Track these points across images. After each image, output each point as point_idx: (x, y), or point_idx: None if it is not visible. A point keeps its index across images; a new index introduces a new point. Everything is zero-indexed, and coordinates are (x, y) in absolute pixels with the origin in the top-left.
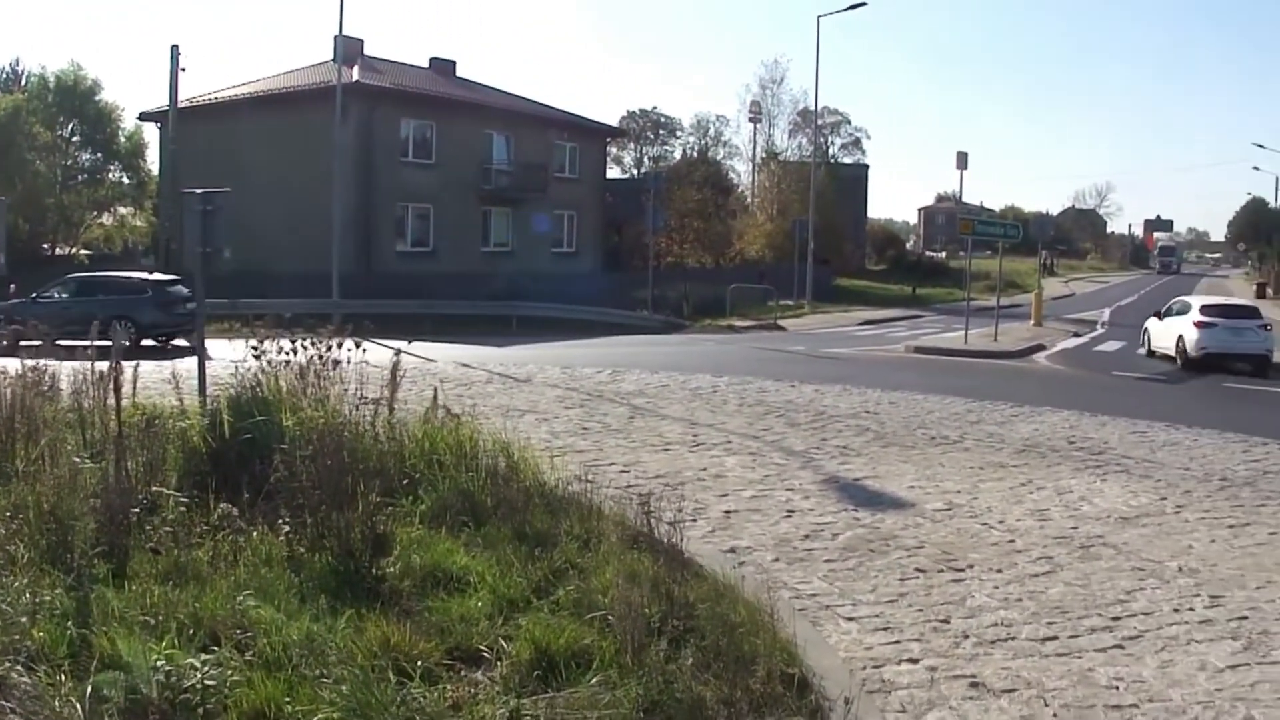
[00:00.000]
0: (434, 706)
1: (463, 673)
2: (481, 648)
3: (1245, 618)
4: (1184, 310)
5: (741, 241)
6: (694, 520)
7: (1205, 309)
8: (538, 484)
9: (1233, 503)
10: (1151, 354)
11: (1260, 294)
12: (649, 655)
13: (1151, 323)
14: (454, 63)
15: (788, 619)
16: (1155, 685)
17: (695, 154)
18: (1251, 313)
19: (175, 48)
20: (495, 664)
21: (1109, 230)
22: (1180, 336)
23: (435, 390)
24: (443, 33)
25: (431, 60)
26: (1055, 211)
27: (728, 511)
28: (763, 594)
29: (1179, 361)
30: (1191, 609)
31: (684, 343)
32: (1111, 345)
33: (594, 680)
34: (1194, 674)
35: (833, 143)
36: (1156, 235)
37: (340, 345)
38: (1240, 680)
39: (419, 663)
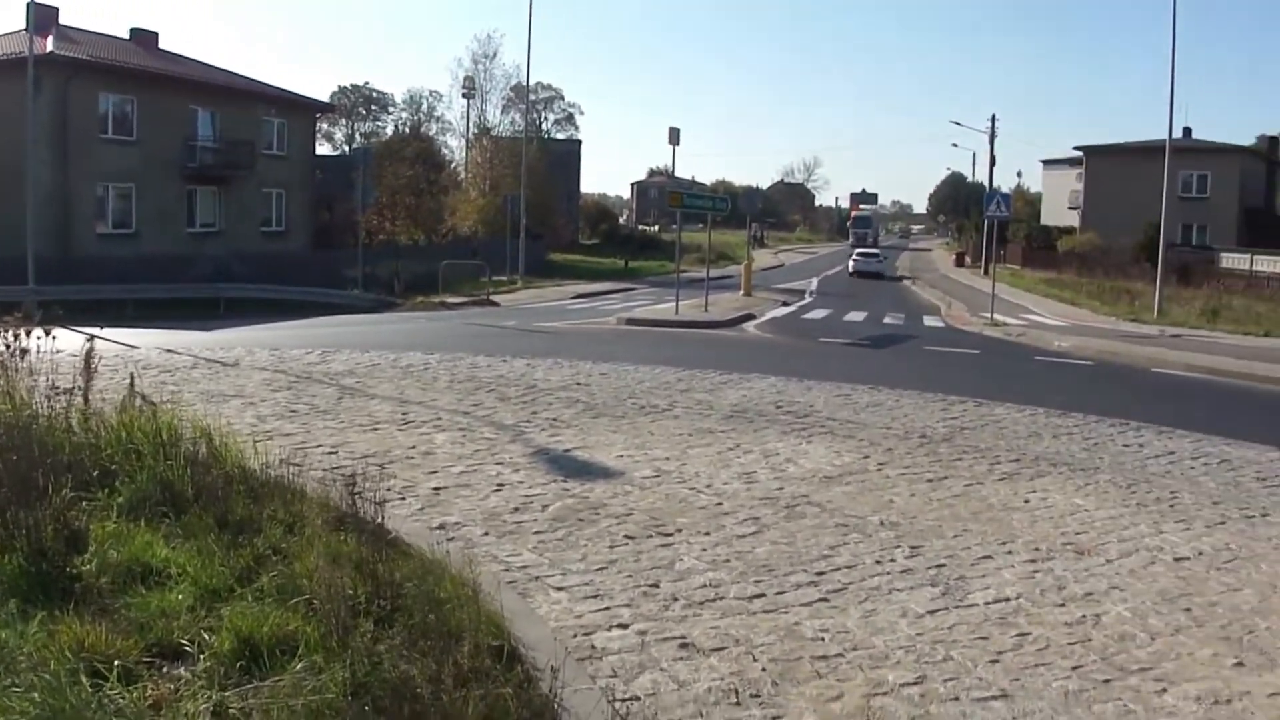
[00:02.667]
0: (133, 707)
1: (164, 669)
2: (183, 642)
3: (943, 565)
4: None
5: (454, 218)
6: (402, 498)
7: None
8: (240, 470)
9: (931, 458)
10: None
11: (959, 263)
12: (355, 637)
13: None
14: (156, 34)
15: (494, 592)
16: (859, 634)
17: (407, 130)
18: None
19: None
20: (197, 658)
21: (817, 203)
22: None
23: (132, 377)
24: (145, 3)
25: (132, 31)
26: (765, 186)
27: (436, 488)
28: (467, 568)
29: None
30: (893, 560)
31: (396, 321)
32: (819, 313)
33: (299, 666)
34: (896, 621)
35: (546, 118)
36: (861, 206)
37: (29, 333)
38: (939, 624)
39: (116, 662)
